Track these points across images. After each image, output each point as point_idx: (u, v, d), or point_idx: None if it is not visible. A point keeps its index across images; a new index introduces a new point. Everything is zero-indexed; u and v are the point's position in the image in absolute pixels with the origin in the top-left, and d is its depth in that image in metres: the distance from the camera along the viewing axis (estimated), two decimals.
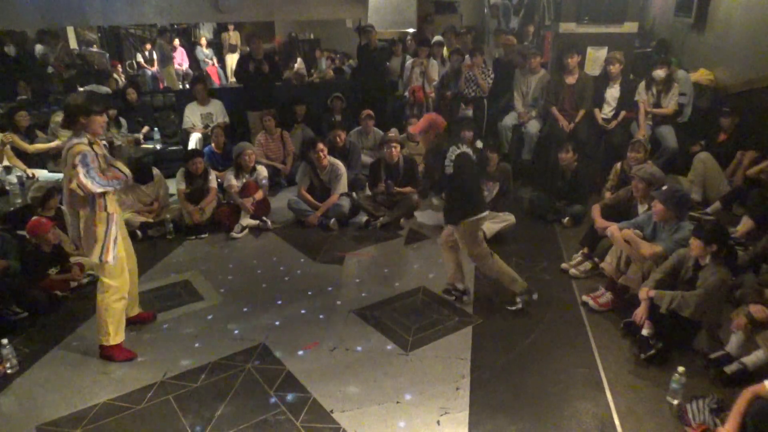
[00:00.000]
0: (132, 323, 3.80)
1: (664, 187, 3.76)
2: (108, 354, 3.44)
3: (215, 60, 11.61)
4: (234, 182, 5.52)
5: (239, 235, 5.32)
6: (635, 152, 4.94)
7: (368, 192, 5.73)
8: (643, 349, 3.29)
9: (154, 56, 10.62)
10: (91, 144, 3.20)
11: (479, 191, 3.88)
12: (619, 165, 5.24)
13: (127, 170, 3.37)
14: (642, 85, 6.02)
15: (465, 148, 3.69)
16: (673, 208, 3.63)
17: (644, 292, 3.35)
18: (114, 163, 3.37)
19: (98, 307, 3.37)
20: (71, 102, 3.20)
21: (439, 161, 3.68)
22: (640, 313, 3.34)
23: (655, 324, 3.28)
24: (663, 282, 3.39)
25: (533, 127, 6.53)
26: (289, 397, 3.06)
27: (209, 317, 3.93)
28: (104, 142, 6.42)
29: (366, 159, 6.54)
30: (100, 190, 3.13)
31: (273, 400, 3.04)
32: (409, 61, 7.42)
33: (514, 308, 3.85)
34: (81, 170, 3.06)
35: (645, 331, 3.30)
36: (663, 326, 3.27)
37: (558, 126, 6.17)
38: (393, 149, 5.41)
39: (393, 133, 6.34)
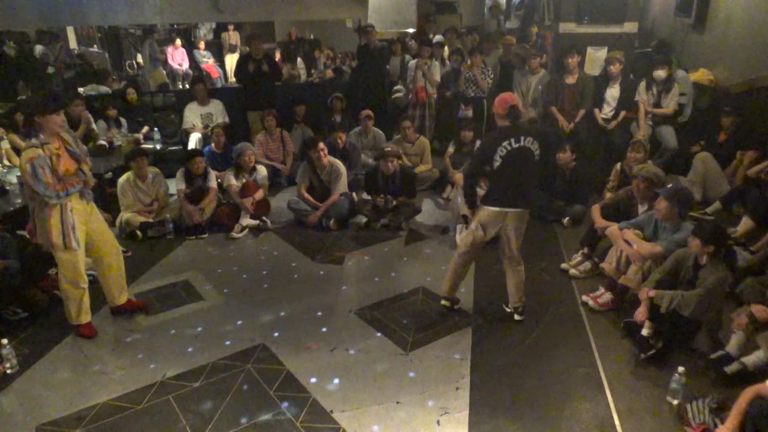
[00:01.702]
0: (122, 311, 3.89)
1: (668, 185, 3.77)
2: (78, 331, 3.67)
3: (212, 59, 11.62)
4: (234, 182, 5.52)
5: (239, 235, 5.33)
6: (635, 152, 4.94)
7: (365, 196, 5.72)
8: (643, 349, 3.29)
9: (146, 57, 10.55)
10: (43, 145, 3.28)
11: (520, 188, 3.57)
12: (619, 165, 5.25)
13: (89, 176, 3.51)
14: (642, 85, 6.02)
15: (525, 142, 3.45)
16: (678, 205, 3.65)
17: (644, 292, 3.36)
18: (81, 165, 3.49)
19: (61, 291, 3.61)
20: (27, 103, 3.24)
21: (482, 150, 3.62)
22: (640, 313, 3.34)
23: (655, 324, 3.28)
24: (663, 282, 3.39)
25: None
26: (289, 397, 3.06)
27: (209, 317, 3.93)
28: (103, 142, 6.48)
29: (366, 159, 6.55)
30: (52, 201, 3.29)
31: (273, 400, 3.04)
32: (413, 61, 7.42)
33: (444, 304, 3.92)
34: (32, 181, 3.22)
35: (645, 331, 3.30)
36: (663, 326, 3.27)
37: (558, 126, 6.18)
38: (390, 163, 5.42)
39: (406, 128, 6.37)
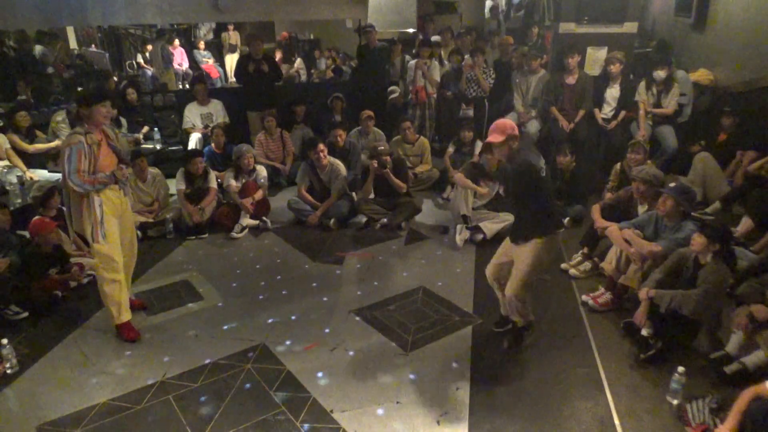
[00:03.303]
0: None
1: (672, 184, 3.77)
2: (119, 332, 3.66)
3: (212, 59, 11.63)
4: (233, 183, 5.52)
5: (239, 235, 5.33)
6: (635, 153, 4.94)
7: (355, 197, 5.72)
8: (643, 349, 3.29)
9: (158, 58, 10.51)
10: (86, 134, 3.37)
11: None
12: (619, 165, 5.24)
13: (119, 172, 3.52)
14: (642, 85, 6.02)
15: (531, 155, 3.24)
16: (685, 202, 3.66)
17: (644, 292, 3.35)
18: (120, 163, 3.57)
19: (101, 293, 3.62)
20: (77, 95, 3.31)
21: (522, 173, 3.09)
22: (640, 313, 3.34)
23: (655, 324, 3.28)
24: (663, 282, 3.39)
25: (533, 127, 6.53)
26: (289, 397, 3.06)
27: (209, 317, 3.93)
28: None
29: (366, 159, 6.54)
30: (76, 189, 3.35)
31: (273, 400, 3.04)
32: (412, 61, 7.42)
33: (502, 330, 3.57)
34: (66, 164, 3.31)
35: (645, 331, 3.30)
36: (663, 326, 3.27)
37: (558, 126, 6.17)
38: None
39: (406, 129, 6.40)
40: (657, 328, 3.28)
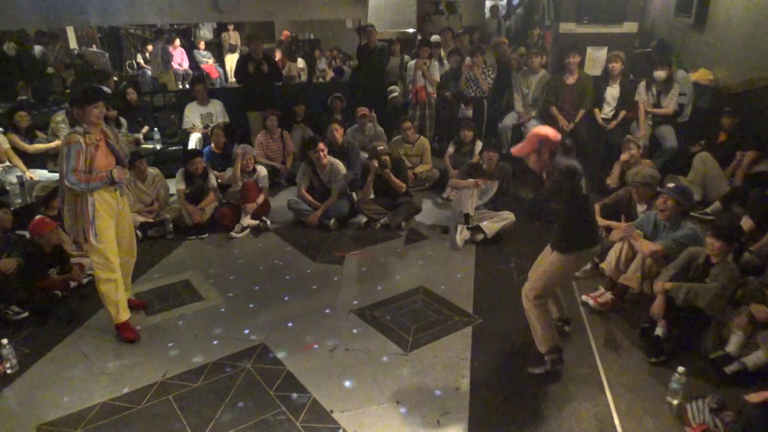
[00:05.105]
0: None
1: (671, 184, 3.78)
2: (121, 336, 3.65)
3: (212, 59, 11.63)
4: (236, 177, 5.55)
5: (239, 235, 5.33)
6: (628, 150, 4.99)
7: (355, 197, 5.72)
8: (655, 351, 3.28)
9: (158, 58, 10.48)
10: (85, 134, 3.38)
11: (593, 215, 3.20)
12: (619, 164, 5.25)
13: (116, 173, 3.49)
14: (642, 85, 6.02)
15: (574, 161, 2.96)
16: (685, 201, 3.69)
17: (660, 286, 3.36)
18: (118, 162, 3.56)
19: (99, 293, 3.61)
20: (70, 97, 3.31)
21: (565, 182, 2.89)
22: (656, 307, 3.35)
23: (670, 321, 3.28)
24: (674, 278, 3.41)
25: (533, 127, 6.53)
26: (289, 397, 3.06)
27: (209, 317, 3.93)
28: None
29: (365, 158, 6.55)
30: (72, 187, 3.36)
31: (273, 400, 3.04)
32: (412, 62, 7.43)
33: (538, 371, 3.18)
34: (64, 162, 3.33)
35: (659, 330, 3.30)
36: (677, 323, 3.27)
37: (558, 126, 6.17)
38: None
39: (407, 129, 6.40)
40: (671, 325, 3.28)
